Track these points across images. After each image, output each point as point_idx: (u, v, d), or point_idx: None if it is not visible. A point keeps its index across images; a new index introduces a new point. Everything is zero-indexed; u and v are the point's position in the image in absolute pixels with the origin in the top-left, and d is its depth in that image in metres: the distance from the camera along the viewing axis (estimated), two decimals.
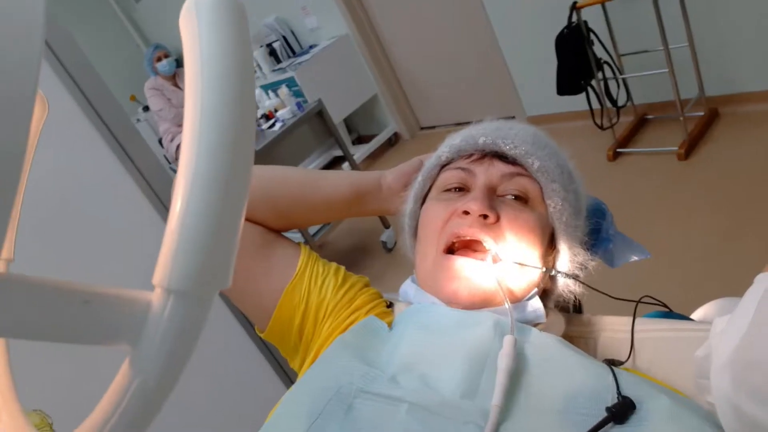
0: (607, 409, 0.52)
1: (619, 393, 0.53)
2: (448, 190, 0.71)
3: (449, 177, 0.72)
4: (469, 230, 0.65)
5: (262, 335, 0.79)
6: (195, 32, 0.21)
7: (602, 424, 0.50)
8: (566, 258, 0.70)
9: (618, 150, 2.81)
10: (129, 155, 1.28)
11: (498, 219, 0.66)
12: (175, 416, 1.28)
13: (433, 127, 4.39)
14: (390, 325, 0.71)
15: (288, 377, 1.50)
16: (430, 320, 0.64)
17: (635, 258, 0.79)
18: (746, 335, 0.48)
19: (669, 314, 0.80)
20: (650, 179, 2.60)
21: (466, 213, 0.65)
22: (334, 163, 4.53)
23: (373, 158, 4.38)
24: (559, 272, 0.69)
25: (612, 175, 2.76)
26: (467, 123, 0.78)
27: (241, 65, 0.21)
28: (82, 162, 1.23)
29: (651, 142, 2.83)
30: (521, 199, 0.69)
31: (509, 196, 0.68)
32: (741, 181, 2.29)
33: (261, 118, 2.92)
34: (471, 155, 0.71)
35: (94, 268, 1.20)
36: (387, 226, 3.08)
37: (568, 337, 0.77)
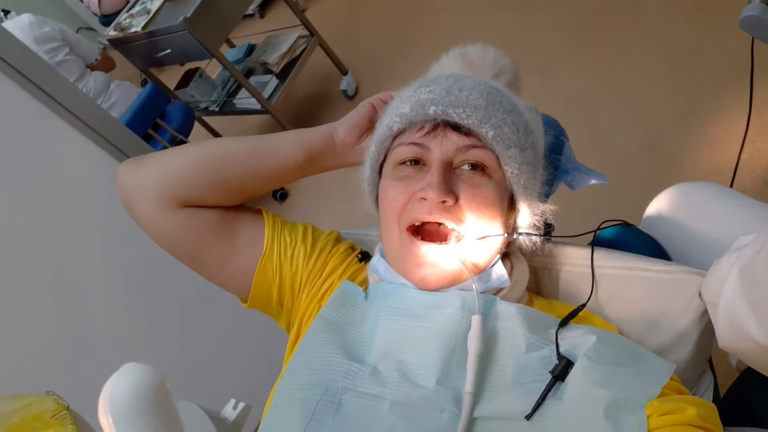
0: (551, 372, 0.60)
1: (558, 354, 0.61)
2: (404, 163, 0.69)
3: (404, 152, 0.69)
4: (430, 216, 0.65)
5: (245, 306, 0.83)
6: None
7: (549, 387, 0.59)
8: (527, 214, 0.72)
9: None
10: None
11: (457, 200, 0.65)
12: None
13: None
14: (364, 284, 0.75)
15: None
16: (401, 304, 0.68)
17: (594, 182, 0.81)
18: (757, 254, 0.55)
19: (625, 227, 0.85)
20: None
21: (425, 199, 0.65)
22: None
23: None
24: (520, 234, 0.71)
25: None
26: None
27: None
28: None
29: None
30: (478, 167, 0.67)
31: (466, 167, 0.67)
32: None
33: None
34: (423, 126, 0.68)
35: None
36: (344, 72, 2.94)
37: (534, 269, 0.82)
